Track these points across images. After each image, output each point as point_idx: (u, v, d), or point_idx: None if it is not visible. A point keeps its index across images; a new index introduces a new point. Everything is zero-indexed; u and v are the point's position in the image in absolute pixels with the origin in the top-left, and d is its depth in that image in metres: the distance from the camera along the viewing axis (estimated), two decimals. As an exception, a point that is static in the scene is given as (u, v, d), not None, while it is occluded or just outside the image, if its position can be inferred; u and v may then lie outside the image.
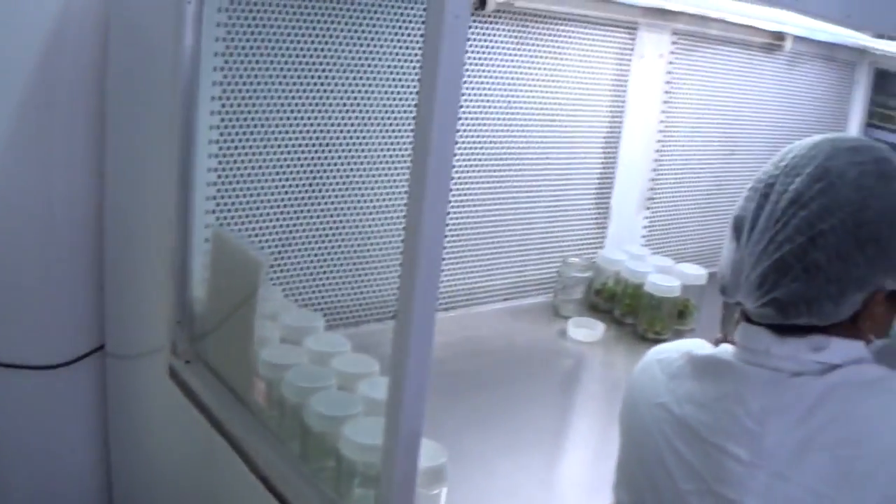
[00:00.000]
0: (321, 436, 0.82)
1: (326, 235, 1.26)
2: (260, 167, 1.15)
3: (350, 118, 1.22)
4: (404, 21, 1.22)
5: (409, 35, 1.23)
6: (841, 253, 0.58)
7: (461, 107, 1.31)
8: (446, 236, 1.29)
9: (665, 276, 1.41)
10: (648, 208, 1.68)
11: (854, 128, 2.21)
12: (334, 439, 0.78)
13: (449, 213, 1.29)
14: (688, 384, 0.67)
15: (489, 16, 1.30)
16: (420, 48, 1.07)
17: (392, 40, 1.21)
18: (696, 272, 1.46)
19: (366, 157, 1.25)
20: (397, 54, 1.22)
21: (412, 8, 1.22)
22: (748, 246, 0.63)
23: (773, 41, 1.82)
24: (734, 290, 0.66)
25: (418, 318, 0.58)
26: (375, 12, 1.19)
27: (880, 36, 1.78)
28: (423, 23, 1.12)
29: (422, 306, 0.58)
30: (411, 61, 1.24)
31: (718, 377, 0.65)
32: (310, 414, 0.83)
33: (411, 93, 1.24)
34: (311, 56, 1.17)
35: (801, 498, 0.54)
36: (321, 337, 1.00)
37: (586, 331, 1.37)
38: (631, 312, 1.43)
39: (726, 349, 0.68)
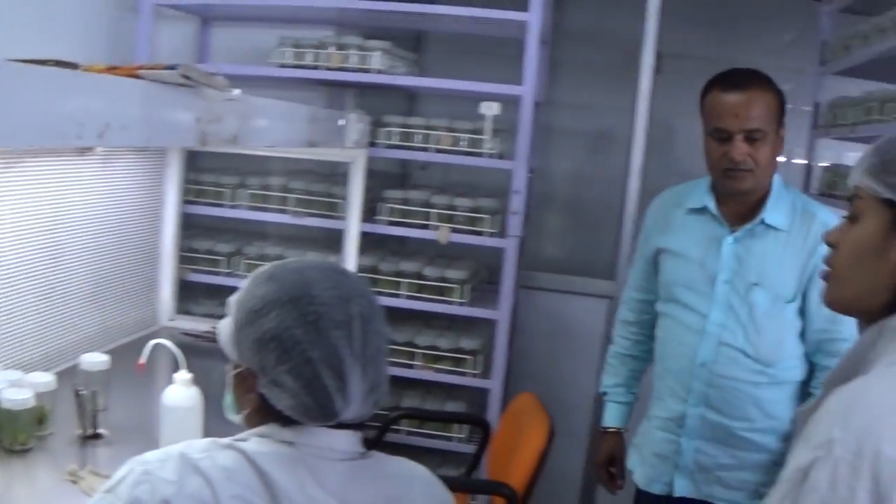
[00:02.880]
0: None
1: None
2: None
3: None
4: None
5: None
6: None
7: None
8: None
9: (18, 389, 2.45)
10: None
11: (171, 207, 3.77)
12: None
13: None
14: (255, 479, 1.43)
15: None
16: None
17: None
18: (45, 379, 2.55)
19: None
20: None
21: None
22: (351, 372, 1.48)
23: (83, 146, 2.97)
24: (342, 411, 1.49)
25: None
26: None
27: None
28: None
29: None
30: None
31: (290, 469, 1.45)
32: None
33: None
34: None
35: None
36: None
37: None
38: (-4, 429, 2.38)
39: (254, 444, 1.48)
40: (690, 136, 5.00)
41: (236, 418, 1.65)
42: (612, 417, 2.97)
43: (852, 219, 1.55)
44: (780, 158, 2.62)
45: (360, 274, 3.82)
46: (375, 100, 4.57)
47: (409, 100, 4.89)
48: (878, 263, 1.49)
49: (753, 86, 2.48)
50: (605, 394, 2.98)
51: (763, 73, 2.55)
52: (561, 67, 4.85)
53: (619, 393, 2.96)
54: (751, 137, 2.45)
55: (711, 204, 2.61)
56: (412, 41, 4.84)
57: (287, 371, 1.50)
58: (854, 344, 1.53)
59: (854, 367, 1.48)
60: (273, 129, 2.73)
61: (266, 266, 1.62)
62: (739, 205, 2.58)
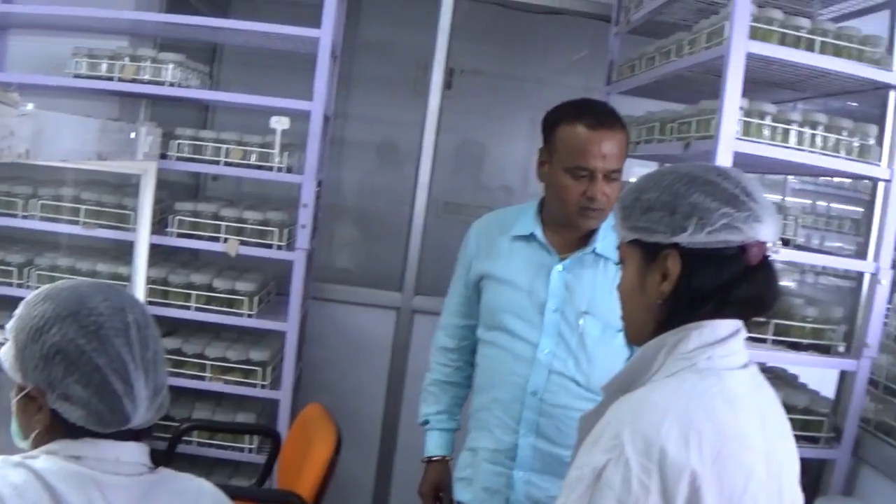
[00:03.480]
0: None
1: None
2: None
3: None
4: None
5: None
6: None
7: None
8: None
9: None
10: None
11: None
12: None
13: None
14: (44, 497, 1.48)
15: None
16: None
17: None
18: None
19: None
20: None
21: None
22: (135, 376, 1.57)
23: None
24: (132, 415, 1.58)
25: None
26: None
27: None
28: None
29: None
30: None
31: (79, 486, 1.51)
32: None
33: None
34: None
35: None
36: None
37: None
38: None
39: (43, 461, 1.54)
40: (480, 151, 5.32)
41: (24, 444, 1.68)
42: (436, 445, 2.88)
43: (622, 267, 1.79)
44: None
45: (151, 286, 3.89)
46: (169, 111, 4.64)
47: (203, 111, 4.98)
48: (641, 298, 1.72)
49: (617, 126, 2.53)
50: (426, 422, 2.90)
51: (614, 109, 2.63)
52: (354, 80, 5.04)
53: (442, 420, 2.88)
54: (609, 177, 2.50)
55: (539, 231, 2.64)
56: (208, 53, 4.93)
57: (76, 381, 1.57)
58: (636, 355, 1.70)
59: (635, 376, 1.66)
60: (65, 143, 2.78)
61: (37, 290, 1.71)
62: (571, 233, 2.62)
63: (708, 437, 1.47)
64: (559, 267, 2.61)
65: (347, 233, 5.33)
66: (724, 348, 1.60)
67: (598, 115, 2.53)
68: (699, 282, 1.62)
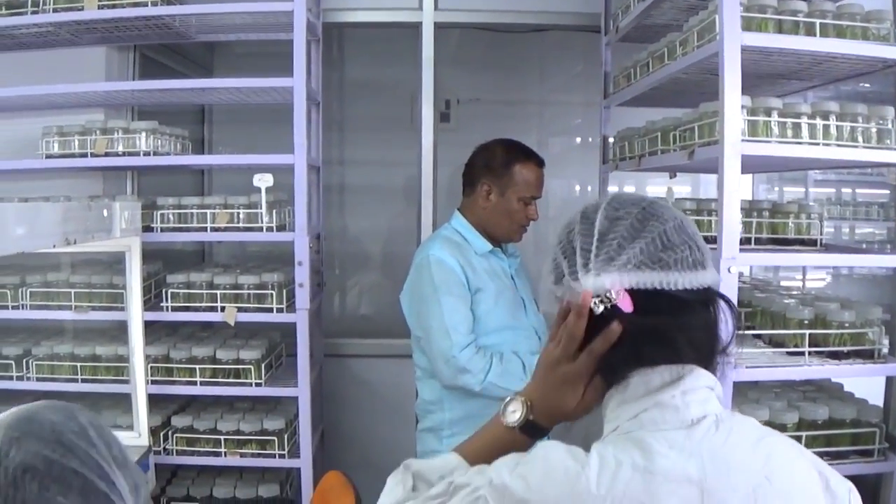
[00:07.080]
0: None
1: None
2: None
3: None
4: None
5: None
6: None
7: None
8: None
9: None
10: None
11: None
12: None
13: None
14: None
15: None
16: None
17: None
18: None
19: None
20: None
21: None
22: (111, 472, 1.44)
23: None
24: None
25: None
26: None
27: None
28: None
29: None
30: None
31: None
32: None
33: None
34: None
35: None
36: None
37: None
38: None
39: None
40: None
41: None
42: None
43: None
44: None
45: (154, 364, 3.64)
46: (160, 179, 4.47)
47: (199, 175, 4.76)
48: None
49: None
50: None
51: None
52: (347, 124, 4.79)
53: None
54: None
55: (490, 245, 3.28)
56: (196, 115, 4.71)
57: (56, 493, 1.42)
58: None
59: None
60: (17, 232, 2.54)
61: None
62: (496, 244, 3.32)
63: None
64: (508, 267, 3.33)
65: (360, 282, 5.05)
66: (657, 402, 1.33)
67: (535, 156, 3.28)
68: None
